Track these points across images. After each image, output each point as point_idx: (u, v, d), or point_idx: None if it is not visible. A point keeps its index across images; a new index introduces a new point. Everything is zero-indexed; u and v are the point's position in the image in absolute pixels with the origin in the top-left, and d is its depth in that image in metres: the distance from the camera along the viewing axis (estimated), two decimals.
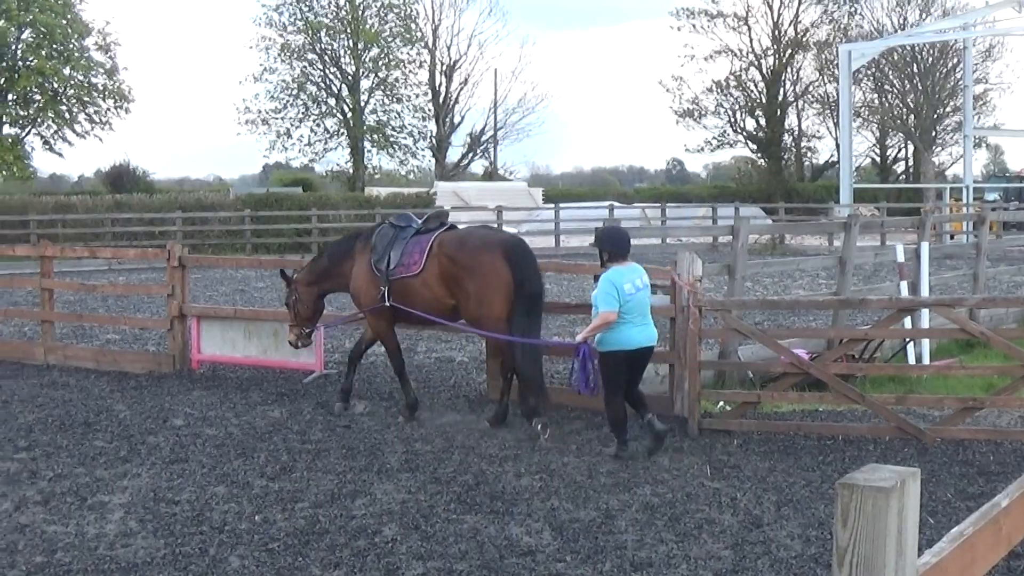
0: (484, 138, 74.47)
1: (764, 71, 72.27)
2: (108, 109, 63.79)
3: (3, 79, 59.56)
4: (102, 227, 42.86)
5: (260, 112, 69.18)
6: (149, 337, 18.46)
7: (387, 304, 11.89)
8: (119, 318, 19.74)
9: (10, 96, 60.33)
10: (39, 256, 16.68)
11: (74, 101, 62.86)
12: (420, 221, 12.33)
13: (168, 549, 7.90)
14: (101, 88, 63.29)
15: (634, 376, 10.65)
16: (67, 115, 62.63)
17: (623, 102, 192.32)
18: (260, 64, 69.85)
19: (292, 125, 69.39)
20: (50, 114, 61.75)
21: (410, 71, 69.96)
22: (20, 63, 60.11)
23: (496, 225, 44.79)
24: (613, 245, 10.55)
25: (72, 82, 61.89)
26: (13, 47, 59.98)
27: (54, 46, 60.47)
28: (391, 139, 69.88)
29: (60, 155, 72.82)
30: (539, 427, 11.04)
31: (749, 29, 71.58)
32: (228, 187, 74.61)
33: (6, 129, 61.35)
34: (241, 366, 15.07)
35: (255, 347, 14.51)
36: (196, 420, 12.17)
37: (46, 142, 63.98)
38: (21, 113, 61.70)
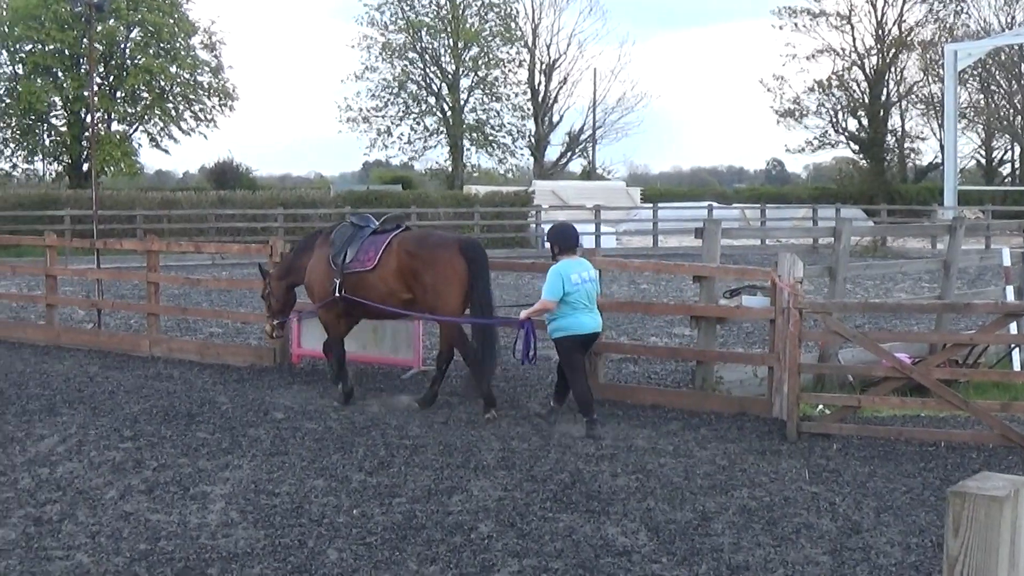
0: (583, 137, 74.34)
1: (867, 71, 71.17)
2: (213, 107, 64.80)
3: (112, 77, 60.62)
4: (206, 223, 43.38)
5: (361, 110, 69.81)
6: (251, 331, 18.66)
7: (338, 296, 12.70)
8: (222, 312, 19.99)
9: (119, 94, 61.39)
10: (146, 250, 16.94)
11: (180, 99, 63.84)
12: (378, 222, 13.16)
13: (268, 540, 7.96)
14: (206, 86, 64.25)
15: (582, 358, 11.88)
16: (173, 113, 63.63)
17: (722, 102, 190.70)
18: (362, 63, 70.38)
19: (392, 123, 69.91)
20: (157, 112, 62.78)
21: (510, 70, 70.14)
22: (129, 62, 61.17)
23: (594, 225, 44.79)
24: (562, 240, 11.87)
25: (178, 80, 62.88)
26: (122, 46, 61.04)
27: (161, 45, 61.45)
28: (490, 138, 70.07)
29: (166, 152, 74.16)
30: (489, 415, 11.96)
31: (852, 28, 70.58)
32: (328, 184, 75.17)
33: (115, 126, 62.51)
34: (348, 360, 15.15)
35: (354, 342, 14.55)
36: (296, 414, 12.27)
37: (153, 139, 65.09)
38: (129, 110, 62.76)
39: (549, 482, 9.51)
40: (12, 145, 63.19)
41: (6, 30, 59.59)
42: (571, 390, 11.73)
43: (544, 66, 71.25)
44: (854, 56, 71.02)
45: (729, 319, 14.11)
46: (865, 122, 72.21)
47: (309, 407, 12.62)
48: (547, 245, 12.13)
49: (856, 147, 73.69)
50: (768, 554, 7.72)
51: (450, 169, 70.24)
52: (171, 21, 61.03)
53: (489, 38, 68.48)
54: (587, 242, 43.67)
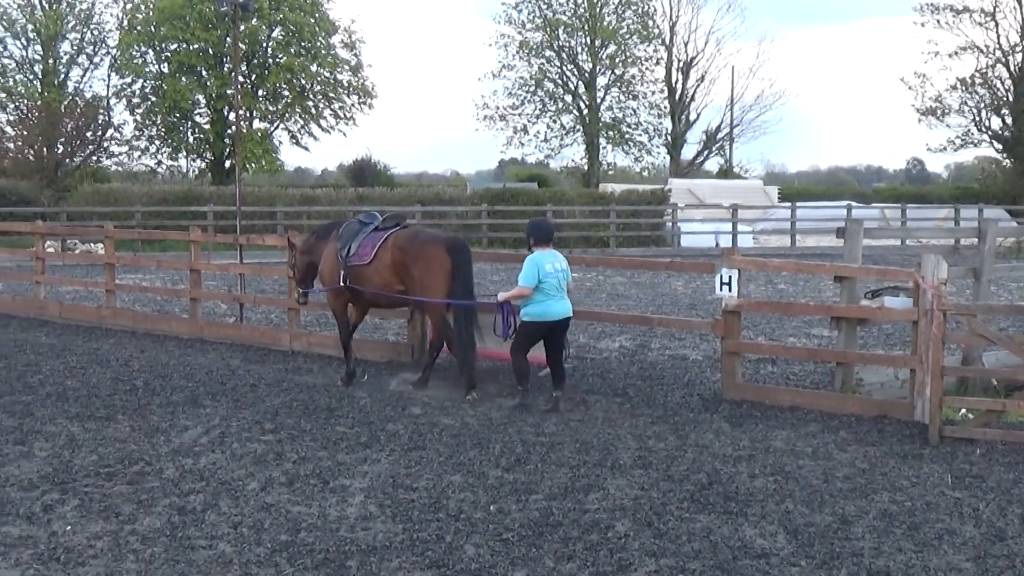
0: (720, 135, 73.72)
1: (1012, 68, 69.26)
2: (352, 105, 65.70)
3: (254, 76, 61.73)
4: (345, 220, 43.93)
5: (498, 108, 70.13)
6: (389, 327, 18.84)
7: (343, 286, 14.09)
8: None
9: (260, 92, 62.45)
10: (286, 246, 17.18)
11: (320, 97, 64.80)
12: (381, 219, 14.43)
13: (406, 534, 8.04)
14: (346, 84, 65.13)
15: (556, 343, 12.88)
16: (313, 111, 64.63)
17: (861, 100, 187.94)
18: (499, 61, 70.93)
19: (529, 121, 70.06)
20: (297, 110, 63.87)
21: (647, 68, 69.83)
22: (270, 60, 62.20)
23: (731, 224, 44.42)
24: (538, 233, 12.91)
25: (319, 79, 63.82)
26: (264, 45, 62.09)
27: (302, 44, 62.44)
28: (626, 136, 69.85)
29: (306, 149, 75.24)
30: (470, 397, 13.02)
31: (996, 25, 68.66)
32: (465, 182, 75.69)
33: (256, 124, 63.59)
34: (479, 357, 15.22)
35: (492, 339, 14.63)
36: (434, 409, 12.37)
37: (293, 136, 66.20)
38: (270, 108, 63.88)
39: (686, 482, 9.46)
40: (157, 142, 64.78)
41: (152, 30, 61.00)
42: (512, 362, 12.90)
43: (681, 64, 70.76)
44: (998, 53, 69.10)
45: (870, 320, 13.87)
46: (1009, 120, 70.29)
47: (446, 403, 12.73)
48: (529, 238, 13.03)
49: (1000, 146, 71.80)
50: (910, 559, 7.59)
51: (586, 167, 70.19)
52: (312, 20, 61.96)
53: (626, 36, 68.25)
54: (724, 241, 43.48)
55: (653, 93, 70.47)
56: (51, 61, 64.28)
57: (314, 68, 63.09)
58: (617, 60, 68.19)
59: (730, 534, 8.08)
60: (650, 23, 68.83)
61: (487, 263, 32.89)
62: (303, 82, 62.89)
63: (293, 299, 16.08)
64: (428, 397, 13.04)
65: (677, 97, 70.68)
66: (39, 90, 63.04)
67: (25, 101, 62.38)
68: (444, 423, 11.67)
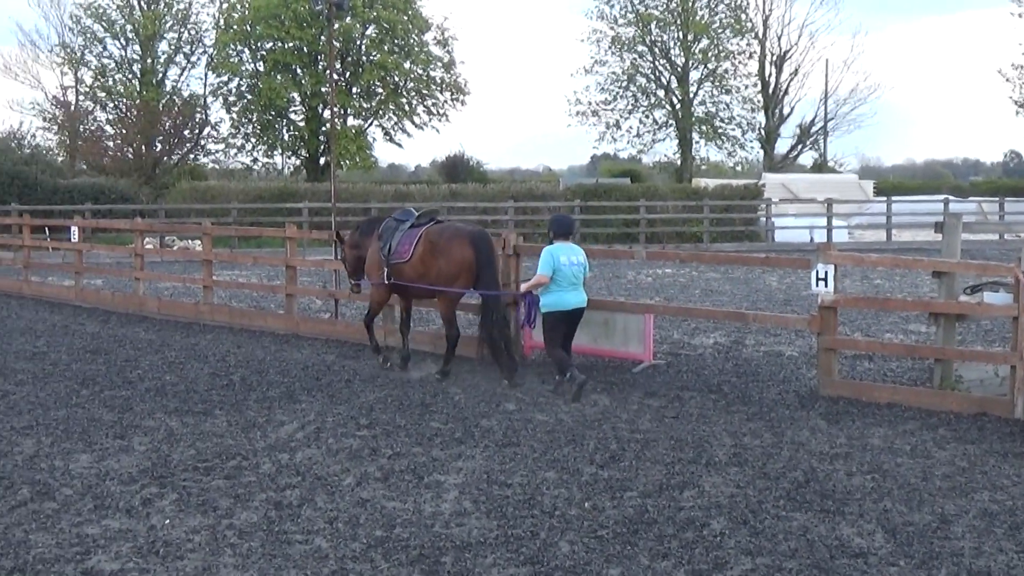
0: (814, 129, 72.86)
1: None
2: (445, 101, 65.91)
3: (348, 73, 62.16)
4: (438, 215, 44.09)
5: (590, 103, 69.96)
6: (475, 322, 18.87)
7: (387, 282, 14.92)
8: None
9: (354, 89, 62.90)
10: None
11: (413, 94, 65.11)
12: (416, 216, 15.21)
13: (500, 531, 8.05)
14: (439, 81, 65.34)
15: (570, 331, 13.58)
16: (407, 107, 64.96)
17: (957, 93, 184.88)
18: (591, 56, 70.57)
19: (621, 116, 69.82)
20: (391, 106, 64.25)
21: (740, 62, 69.22)
22: (364, 58, 62.58)
23: (826, 219, 43.93)
24: (558, 228, 13.68)
25: (412, 75, 64.11)
26: (358, 43, 62.50)
27: (396, 41, 62.78)
28: (719, 130, 69.33)
29: (399, 146, 75.53)
30: (506, 383, 13.69)
31: None
32: (557, 178, 75.60)
33: (350, 121, 64.08)
34: (571, 353, 15.23)
35: (585, 335, 14.62)
36: (527, 405, 12.39)
37: (387, 133, 66.59)
38: (364, 106, 64.31)
39: (782, 480, 9.37)
40: (253, 140, 65.45)
41: (248, 29, 61.65)
42: (549, 354, 13.75)
43: (775, 57, 70.00)
44: None
45: (969, 316, 13.65)
46: None
47: (540, 399, 12.73)
48: (550, 233, 13.76)
49: None
50: (1011, 560, 7.46)
51: (679, 162, 69.83)
52: (405, 18, 62.25)
53: (719, 30, 67.76)
54: (819, 236, 43.01)
55: (746, 87, 69.87)
56: (149, 60, 65.19)
57: (407, 65, 63.38)
58: (710, 54, 67.72)
59: (827, 533, 7.99)
60: (743, 17, 68.24)
61: None
62: (396, 79, 63.21)
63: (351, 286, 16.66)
64: (522, 393, 13.05)
65: (770, 91, 69.96)
66: (138, 89, 64.00)
67: (124, 100, 63.38)
68: (538, 419, 11.68)
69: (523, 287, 14.07)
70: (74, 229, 25.24)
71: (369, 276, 15.51)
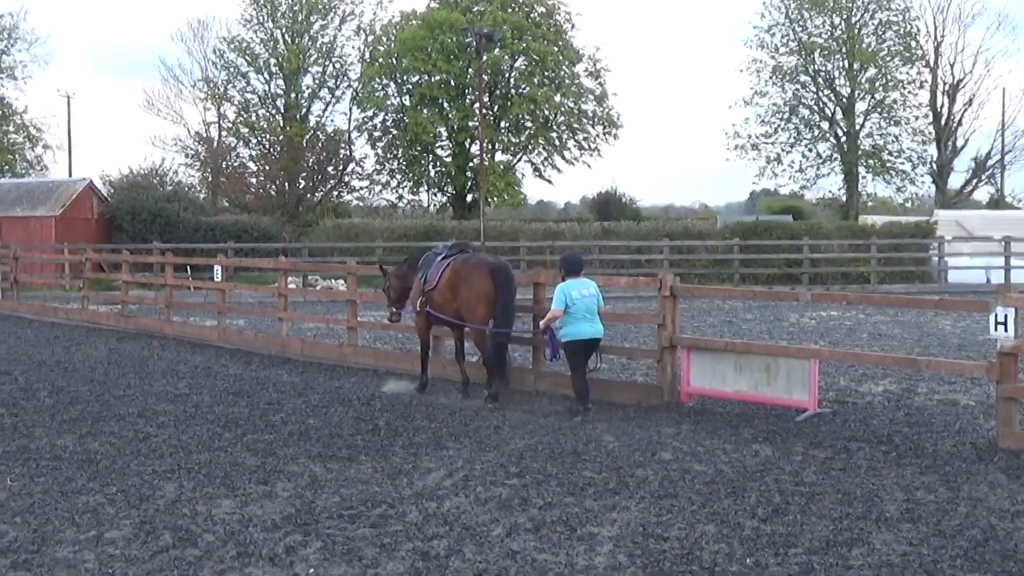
0: (990, 163, 71.50)
1: None
2: (597, 135, 66.20)
3: (497, 107, 62.72)
4: (589, 254, 44.17)
5: (750, 137, 69.68)
6: (637, 367, 18.84)
7: (425, 311, 16.79)
8: (608, 347, 19.97)
9: (503, 124, 63.42)
10: (532, 283, 17.40)
11: (564, 128, 65.42)
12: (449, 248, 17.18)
13: None
14: (590, 114, 65.59)
15: (585, 359, 15.08)
16: (557, 142, 65.25)
17: None
18: (750, 87, 70.33)
19: (783, 150, 69.41)
20: (541, 141, 64.59)
21: (909, 91, 68.36)
22: (513, 91, 63.09)
23: (1004, 257, 42.95)
24: (568, 266, 15.22)
25: (562, 109, 64.40)
26: (507, 75, 63.05)
27: (546, 73, 63.21)
28: (887, 164, 68.40)
29: (549, 182, 76.03)
30: (490, 403, 15.69)
31: None
32: (714, 215, 75.31)
33: (498, 156, 64.57)
34: (730, 400, 15.12)
35: (745, 382, 14.51)
36: (685, 455, 12.29)
37: (536, 169, 67.04)
38: (513, 140, 64.83)
39: (959, 538, 9.15)
40: (398, 176, 66.36)
41: (394, 62, 62.62)
42: (572, 383, 15.17)
43: (947, 87, 69.01)
44: None
45: None
46: None
47: (699, 448, 12.63)
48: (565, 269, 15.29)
49: None
50: None
51: (844, 198, 69.01)
52: (555, 49, 62.72)
53: (887, 58, 67.02)
54: (996, 277, 42.11)
55: (916, 118, 68.97)
56: (293, 95, 66.73)
57: (558, 98, 63.81)
58: (877, 84, 67.00)
59: None
60: (913, 44, 67.38)
61: (741, 300, 32.64)
62: (547, 112, 63.68)
63: (388, 315, 18.67)
64: (679, 442, 12.96)
65: (943, 122, 68.91)
66: (281, 124, 65.45)
67: (267, 136, 64.83)
68: (696, 469, 11.58)
69: (542, 323, 15.54)
70: (217, 268, 25.82)
71: (412, 305, 17.34)
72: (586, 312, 14.86)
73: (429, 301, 16.62)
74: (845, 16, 67.21)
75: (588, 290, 15.00)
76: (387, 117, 65.49)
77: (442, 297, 16.38)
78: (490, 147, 62.08)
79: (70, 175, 68.46)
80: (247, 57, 66.08)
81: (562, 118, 64.95)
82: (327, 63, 67.22)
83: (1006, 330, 12.58)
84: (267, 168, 60.84)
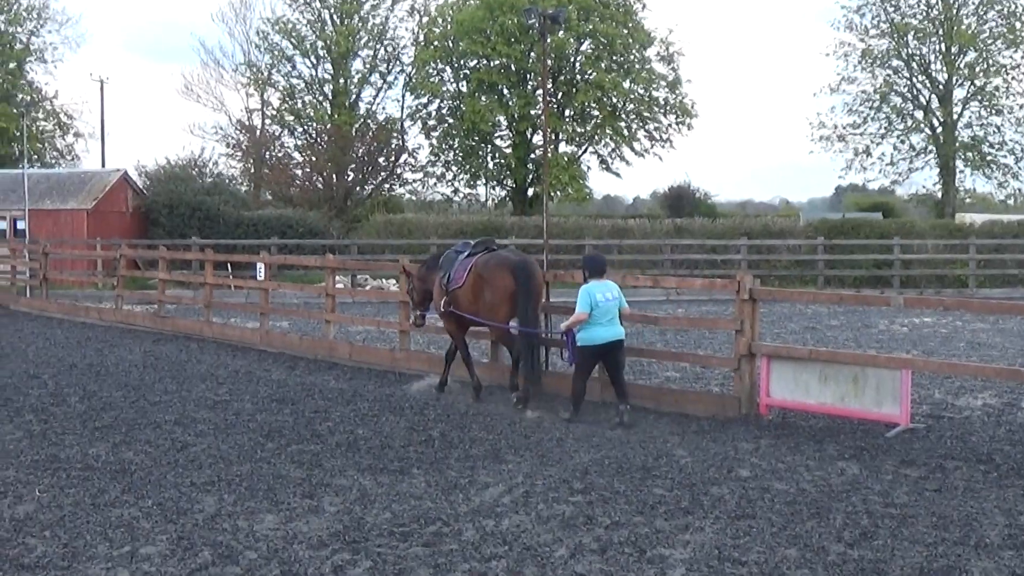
0: None
1: None
2: (669, 125, 65.82)
3: (561, 94, 62.52)
4: (660, 254, 44.07)
5: (836, 127, 68.98)
6: (711, 376, 18.78)
7: (449, 310, 17.34)
8: (680, 354, 19.98)
9: (568, 112, 63.21)
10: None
11: (633, 117, 65.14)
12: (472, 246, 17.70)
13: None
14: (662, 102, 65.29)
15: (612, 364, 15.64)
16: (626, 132, 64.92)
17: None
18: (837, 73, 70.19)
19: (872, 142, 68.66)
20: (608, 131, 64.29)
21: (1013, 78, 67.50)
22: (578, 77, 62.89)
23: None
24: (592, 266, 15.75)
25: (632, 96, 64.08)
26: (572, 60, 62.84)
27: (614, 58, 62.97)
28: (988, 157, 67.62)
29: (617, 175, 75.67)
30: (517, 402, 16.35)
31: None
32: (797, 212, 74.95)
33: (562, 147, 64.34)
34: (814, 413, 15.02)
35: (831, 393, 14.42)
36: (764, 472, 12.23)
37: (603, 161, 66.79)
38: (578, 130, 64.61)
39: None
40: (454, 168, 66.36)
41: (450, 45, 62.59)
42: (572, 383, 15.78)
43: None
44: None
45: None
46: None
47: (779, 465, 12.56)
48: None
49: None
50: None
51: (939, 194, 68.36)
52: (625, 32, 62.42)
53: (989, 41, 66.21)
54: None
55: (1021, 107, 68.10)
56: (342, 81, 66.85)
57: (627, 85, 63.56)
58: (977, 69, 66.18)
59: None
60: (1018, 25, 66.58)
61: (826, 304, 32.43)
62: (615, 100, 63.48)
63: (412, 319, 19.46)
64: (758, 458, 12.90)
65: None
66: (329, 112, 65.55)
67: (314, 124, 64.99)
68: (776, 488, 11.52)
69: (563, 325, 15.90)
70: (260, 266, 25.95)
71: (436, 307, 17.96)
72: (608, 315, 15.37)
73: (453, 300, 17.18)
74: None
75: (612, 292, 15.53)
76: (442, 104, 65.57)
77: (466, 298, 16.97)
78: (553, 137, 62.01)
79: (103, 165, 69.13)
80: (293, 40, 66.24)
81: (631, 106, 64.73)
82: (378, 46, 67.36)
83: None
84: (313, 159, 60.97)
